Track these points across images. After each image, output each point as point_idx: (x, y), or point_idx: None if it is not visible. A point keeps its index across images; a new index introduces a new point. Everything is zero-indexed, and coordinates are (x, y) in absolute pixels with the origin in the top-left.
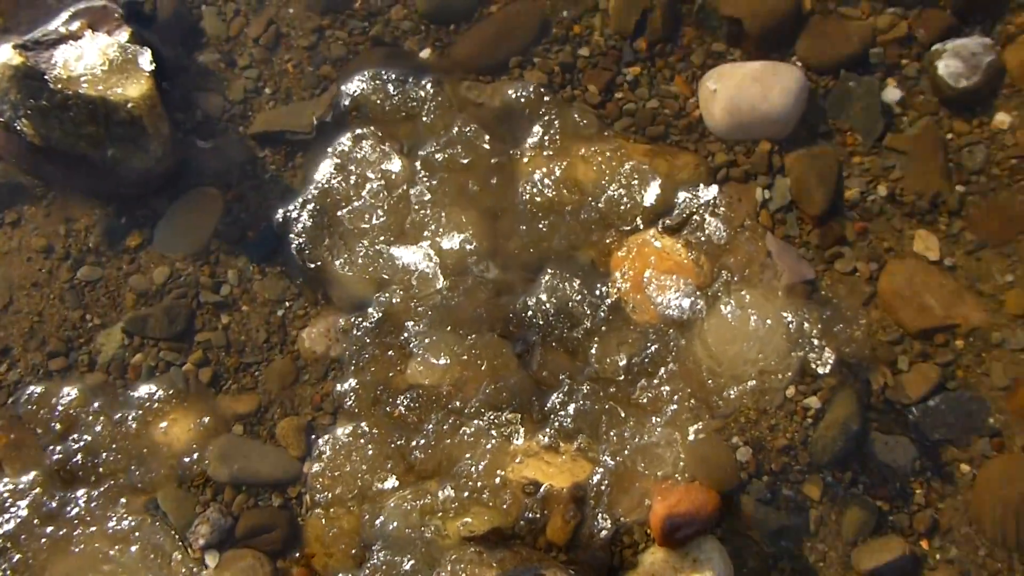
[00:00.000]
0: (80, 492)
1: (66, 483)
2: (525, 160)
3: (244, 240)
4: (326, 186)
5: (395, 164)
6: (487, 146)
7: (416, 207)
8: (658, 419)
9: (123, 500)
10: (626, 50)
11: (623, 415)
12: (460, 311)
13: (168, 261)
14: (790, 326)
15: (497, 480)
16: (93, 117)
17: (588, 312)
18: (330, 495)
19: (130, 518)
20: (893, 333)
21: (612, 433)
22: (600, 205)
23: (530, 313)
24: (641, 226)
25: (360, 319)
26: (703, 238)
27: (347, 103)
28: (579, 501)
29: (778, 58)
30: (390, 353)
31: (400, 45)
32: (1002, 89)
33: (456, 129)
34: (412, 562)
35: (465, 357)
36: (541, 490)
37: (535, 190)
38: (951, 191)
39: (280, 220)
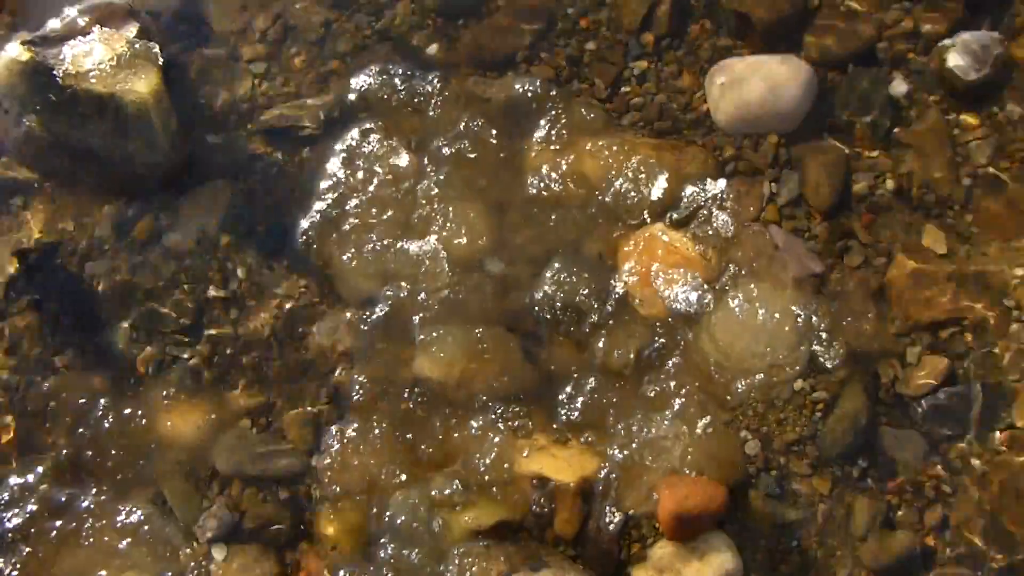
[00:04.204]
0: (88, 486)
1: (74, 477)
2: (532, 154)
3: (252, 234)
4: (333, 180)
5: (402, 158)
6: (494, 140)
7: (423, 201)
8: (666, 413)
9: (131, 494)
10: (633, 44)
11: (631, 409)
12: (467, 305)
13: (176, 255)
14: (798, 319)
15: (504, 474)
16: (101, 112)
17: (595, 306)
18: (337, 489)
19: (138, 512)
20: (902, 326)
21: (620, 427)
22: (607, 199)
23: (537, 307)
24: (648, 220)
25: (367, 313)
26: (711, 232)
27: (354, 98)
28: (587, 495)
29: (786, 52)
30: (397, 347)
31: (407, 40)
32: (1011, 82)
33: (463, 124)
34: (419, 555)
35: (472, 351)
36: (549, 484)
37: (542, 184)
38: (959, 184)
39: (288, 214)
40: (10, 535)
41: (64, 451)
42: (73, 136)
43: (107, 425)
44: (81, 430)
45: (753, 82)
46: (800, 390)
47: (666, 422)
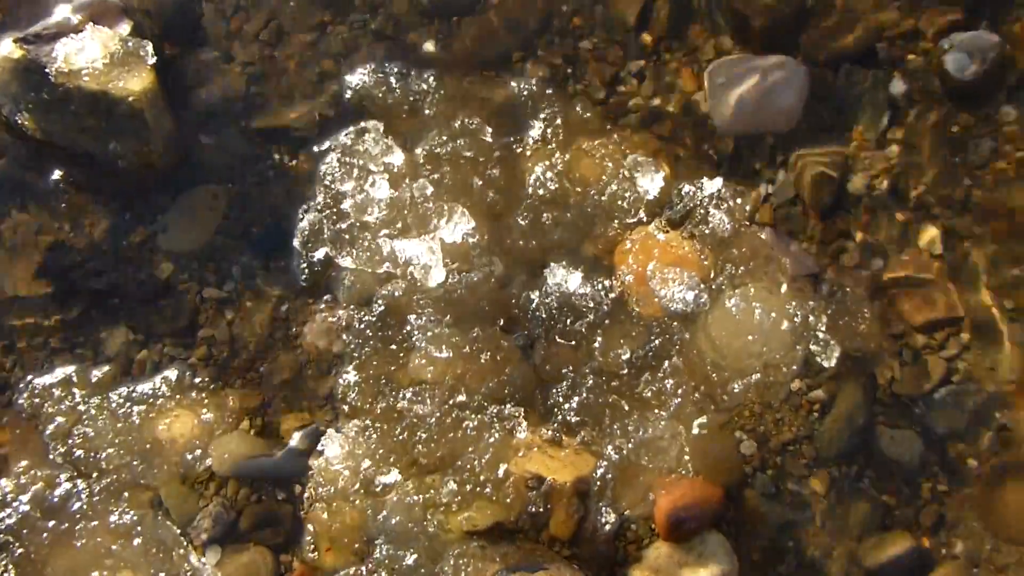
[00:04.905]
0: (83, 487)
1: (69, 478)
2: (528, 154)
3: (248, 235)
4: (329, 181)
5: (398, 158)
6: (490, 140)
7: (419, 201)
8: (662, 413)
9: (126, 495)
10: (631, 44)
11: (627, 409)
12: (463, 305)
13: (172, 257)
14: (795, 319)
15: (500, 474)
16: (94, 111)
17: (591, 305)
18: (333, 489)
19: (132, 513)
20: (898, 326)
21: (616, 427)
22: (603, 199)
23: (533, 307)
24: (644, 219)
25: (363, 313)
26: (707, 231)
27: (349, 97)
28: (583, 495)
29: (784, 52)
30: (393, 347)
31: (402, 39)
32: (1008, 83)
33: (459, 123)
34: (415, 556)
35: (468, 351)
36: (544, 484)
37: (538, 184)
38: (957, 184)
39: (283, 215)
40: (3, 535)
41: (60, 451)
42: (66, 135)
43: (103, 426)
44: (77, 430)
45: (750, 82)
46: (797, 390)
47: (662, 422)
